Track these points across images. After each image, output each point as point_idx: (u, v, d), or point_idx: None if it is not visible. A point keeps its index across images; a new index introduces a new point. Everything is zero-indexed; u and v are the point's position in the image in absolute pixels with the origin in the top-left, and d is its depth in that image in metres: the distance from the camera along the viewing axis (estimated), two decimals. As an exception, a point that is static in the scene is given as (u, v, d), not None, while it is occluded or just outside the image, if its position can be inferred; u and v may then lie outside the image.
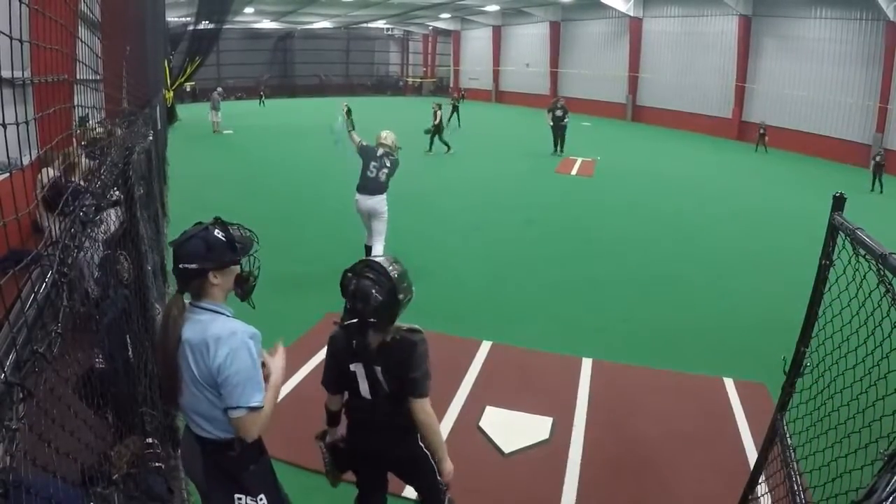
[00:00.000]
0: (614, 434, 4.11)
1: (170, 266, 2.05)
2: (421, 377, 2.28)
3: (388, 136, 6.75)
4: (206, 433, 2.01)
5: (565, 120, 16.32)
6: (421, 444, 2.40)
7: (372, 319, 2.20)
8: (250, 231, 2.06)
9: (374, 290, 2.18)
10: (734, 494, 3.52)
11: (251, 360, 1.91)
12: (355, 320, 2.22)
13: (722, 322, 6.09)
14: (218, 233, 1.95)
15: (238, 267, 2.02)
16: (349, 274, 2.26)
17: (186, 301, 2.01)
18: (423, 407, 2.30)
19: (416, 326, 2.35)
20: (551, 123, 16.48)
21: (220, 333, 1.90)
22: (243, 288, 2.05)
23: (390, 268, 2.25)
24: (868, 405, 2.00)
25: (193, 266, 1.92)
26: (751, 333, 5.80)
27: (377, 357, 2.28)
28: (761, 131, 20.11)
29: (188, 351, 1.91)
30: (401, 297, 2.23)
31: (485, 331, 5.53)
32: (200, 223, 2.00)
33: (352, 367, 2.32)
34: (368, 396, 2.33)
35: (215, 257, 1.94)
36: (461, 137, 20.83)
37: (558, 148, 16.56)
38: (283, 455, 3.23)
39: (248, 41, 40.38)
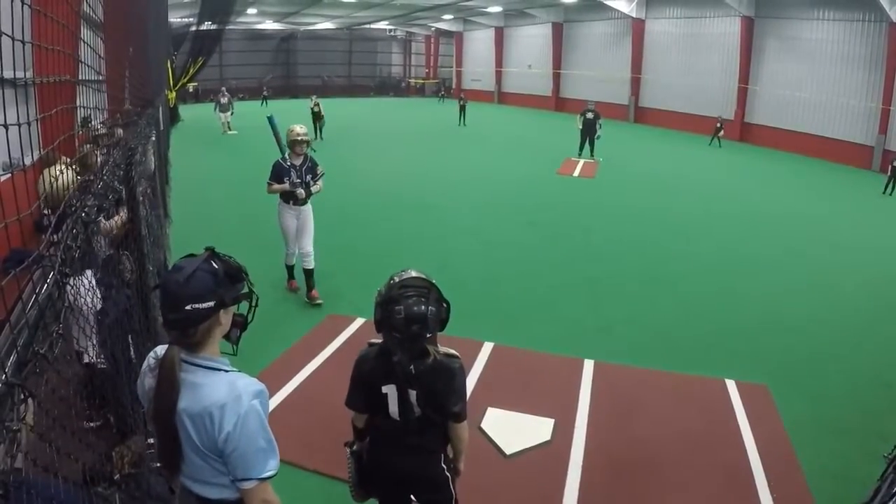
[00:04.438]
0: (616, 435, 4.10)
1: (171, 264, 1.97)
2: (461, 408, 2.25)
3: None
4: (212, 495, 1.76)
5: (599, 125, 16.18)
6: (443, 465, 2.37)
7: (429, 335, 2.15)
8: (239, 264, 1.78)
9: (426, 307, 2.10)
10: (735, 495, 3.52)
11: (261, 426, 1.66)
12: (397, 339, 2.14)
13: (723, 323, 6.07)
14: (217, 264, 1.69)
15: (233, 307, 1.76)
16: (395, 306, 2.10)
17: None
18: (463, 427, 2.31)
19: (453, 351, 2.26)
20: (581, 126, 16.45)
21: (223, 400, 1.62)
22: (242, 330, 1.80)
23: (424, 275, 2.17)
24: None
25: (208, 305, 1.63)
26: (752, 335, 5.80)
27: (413, 381, 2.18)
28: (718, 125, 21.07)
29: (187, 422, 1.64)
30: (446, 302, 2.16)
31: (486, 332, 5.52)
32: (193, 255, 1.71)
33: (384, 388, 2.24)
34: (398, 418, 2.26)
35: (226, 292, 1.68)
36: (463, 138, 20.86)
37: (583, 151, 16.44)
38: (283, 455, 3.22)
39: (250, 42, 40.47)
